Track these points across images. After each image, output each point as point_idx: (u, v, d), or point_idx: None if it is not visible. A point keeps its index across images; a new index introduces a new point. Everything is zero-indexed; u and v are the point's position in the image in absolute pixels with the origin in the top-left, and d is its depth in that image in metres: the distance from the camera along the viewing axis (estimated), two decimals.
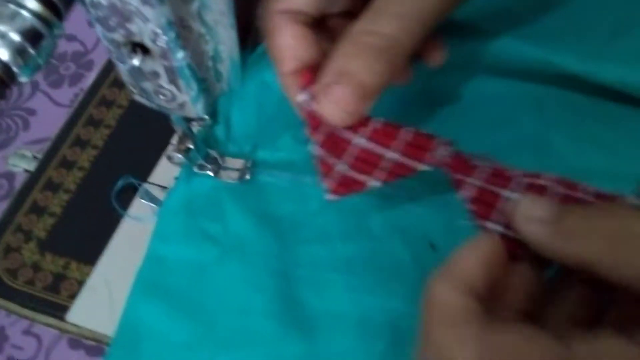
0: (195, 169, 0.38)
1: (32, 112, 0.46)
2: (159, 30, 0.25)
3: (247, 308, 0.33)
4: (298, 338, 0.32)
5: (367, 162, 0.29)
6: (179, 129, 0.35)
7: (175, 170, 0.39)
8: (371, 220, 0.35)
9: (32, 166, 0.43)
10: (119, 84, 0.46)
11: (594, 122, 0.36)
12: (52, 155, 0.43)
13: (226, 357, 0.32)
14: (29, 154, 0.44)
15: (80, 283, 0.37)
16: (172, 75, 0.28)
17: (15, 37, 0.23)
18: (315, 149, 0.29)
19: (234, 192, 0.37)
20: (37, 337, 0.37)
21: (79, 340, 0.36)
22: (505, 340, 0.20)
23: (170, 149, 0.37)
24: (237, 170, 0.38)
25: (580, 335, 0.21)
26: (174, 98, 0.30)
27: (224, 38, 0.29)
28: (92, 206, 0.40)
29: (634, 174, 0.32)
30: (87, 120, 0.44)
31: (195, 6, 0.26)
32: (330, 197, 0.28)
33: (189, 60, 0.28)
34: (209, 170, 0.38)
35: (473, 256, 0.23)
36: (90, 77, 0.45)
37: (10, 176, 0.43)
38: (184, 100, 0.30)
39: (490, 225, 0.26)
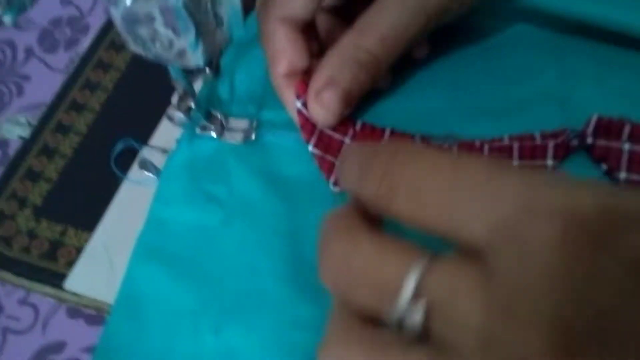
0: (198, 131, 0.36)
1: (26, 77, 0.44)
2: None
3: (255, 271, 0.31)
4: (308, 301, 0.30)
5: None
6: (179, 85, 0.33)
7: (176, 134, 0.37)
8: None
9: (26, 132, 0.41)
10: (116, 46, 0.44)
11: (619, 72, 0.34)
12: (48, 120, 0.41)
13: (233, 322, 0.30)
14: (23, 120, 0.42)
15: (79, 250, 0.35)
16: (168, 16, 0.26)
17: None
18: (313, 149, 0.33)
19: (239, 153, 0.35)
20: (34, 307, 0.35)
21: (78, 309, 0.35)
22: None
23: (170, 109, 0.35)
24: (242, 131, 0.36)
25: None
26: (171, 45, 0.28)
27: None
28: (90, 171, 0.38)
29: None
30: (84, 83, 0.42)
31: None
32: (336, 189, 0.32)
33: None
34: (212, 131, 0.36)
35: None
36: (86, 42, 0.44)
37: (3, 143, 0.42)
38: (182, 47, 0.28)
39: None
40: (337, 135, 0.33)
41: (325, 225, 0.23)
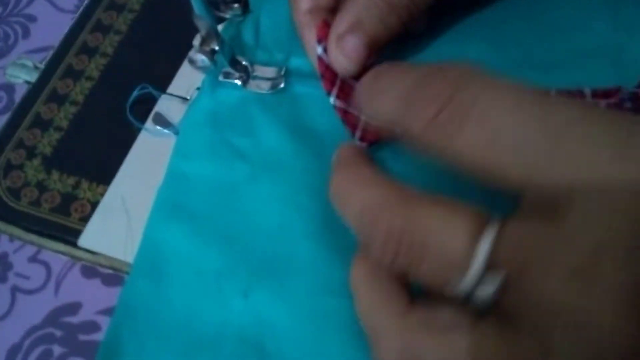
0: (221, 78, 0.33)
1: (32, 18, 0.41)
2: None
3: (285, 231, 0.29)
4: (341, 262, 0.28)
5: None
6: (202, 24, 0.30)
7: (197, 81, 0.34)
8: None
9: (33, 77, 0.38)
10: None
11: None
12: (56, 64, 0.38)
13: (262, 287, 0.28)
14: (29, 63, 0.39)
15: (93, 204, 0.33)
16: None
17: None
18: (335, 100, 0.29)
19: (266, 103, 0.33)
20: (46, 265, 0.33)
21: (94, 267, 0.32)
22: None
23: (192, 52, 0.32)
24: (269, 79, 0.33)
25: None
26: None
27: None
28: (104, 119, 0.36)
29: None
30: (95, 25, 0.39)
31: None
32: (363, 144, 0.29)
33: None
34: (237, 79, 0.33)
35: None
36: None
37: (9, 88, 0.39)
38: None
39: None
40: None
41: (370, 192, 0.21)
